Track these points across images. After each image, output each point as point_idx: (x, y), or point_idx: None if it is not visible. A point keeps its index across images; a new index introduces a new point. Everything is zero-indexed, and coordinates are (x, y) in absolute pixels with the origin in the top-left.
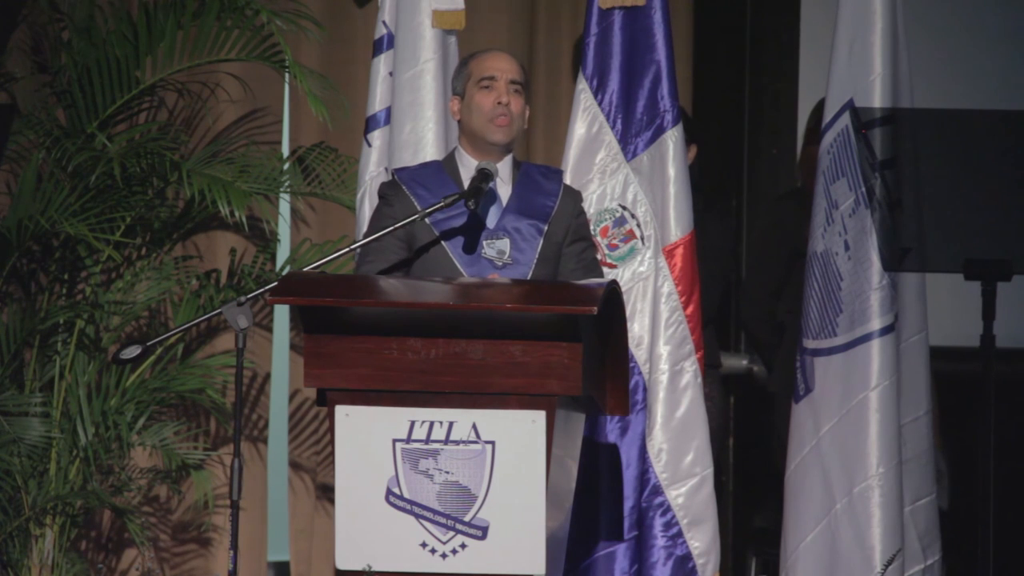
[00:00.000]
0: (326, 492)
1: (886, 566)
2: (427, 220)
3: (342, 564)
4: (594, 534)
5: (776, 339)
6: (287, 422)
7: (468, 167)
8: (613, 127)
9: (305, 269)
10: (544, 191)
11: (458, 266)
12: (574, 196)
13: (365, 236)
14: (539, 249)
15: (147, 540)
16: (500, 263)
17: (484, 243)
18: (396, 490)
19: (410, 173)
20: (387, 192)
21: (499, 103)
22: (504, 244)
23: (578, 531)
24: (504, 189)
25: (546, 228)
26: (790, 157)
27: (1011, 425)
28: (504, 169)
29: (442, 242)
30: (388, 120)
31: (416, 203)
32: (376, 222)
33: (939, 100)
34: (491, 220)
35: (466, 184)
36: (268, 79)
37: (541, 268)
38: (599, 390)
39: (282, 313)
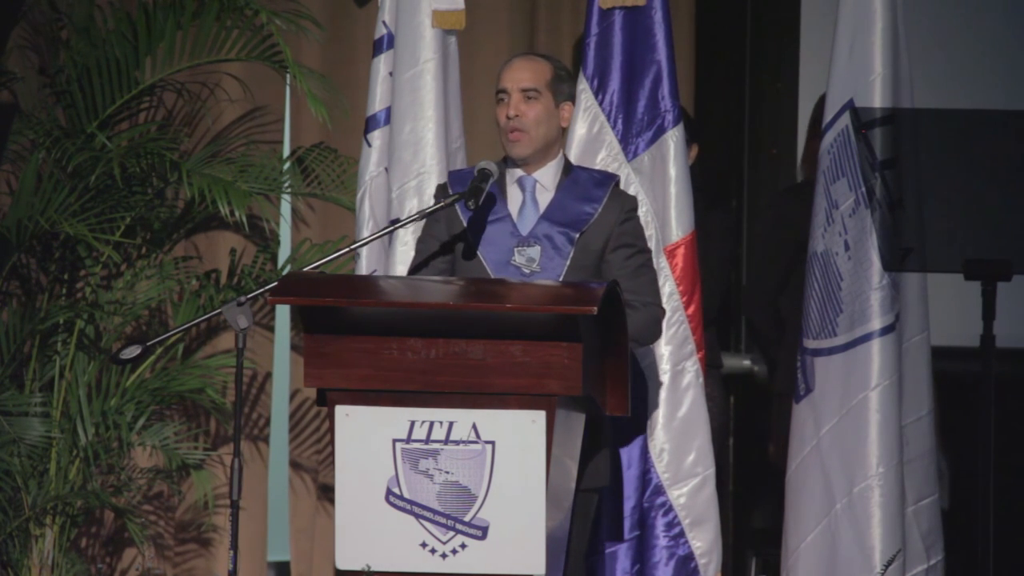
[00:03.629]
0: (327, 492)
1: (886, 566)
2: (464, 223)
3: (342, 564)
4: (595, 534)
5: (778, 335)
6: (288, 422)
7: (511, 173)
8: (614, 127)
9: (305, 269)
10: (587, 198)
11: (488, 272)
12: (621, 202)
13: (373, 234)
14: (570, 257)
15: (147, 539)
16: (528, 270)
17: (515, 250)
18: (396, 490)
19: (459, 176)
20: (437, 195)
21: (508, 117)
22: (535, 252)
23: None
24: (545, 196)
25: (578, 236)
26: (790, 157)
27: (1011, 425)
28: (546, 176)
29: (476, 247)
30: (388, 120)
31: (457, 206)
32: (426, 226)
33: (939, 100)
34: (526, 227)
35: (508, 187)
36: (268, 79)
37: (572, 277)
38: (599, 390)
39: (283, 313)
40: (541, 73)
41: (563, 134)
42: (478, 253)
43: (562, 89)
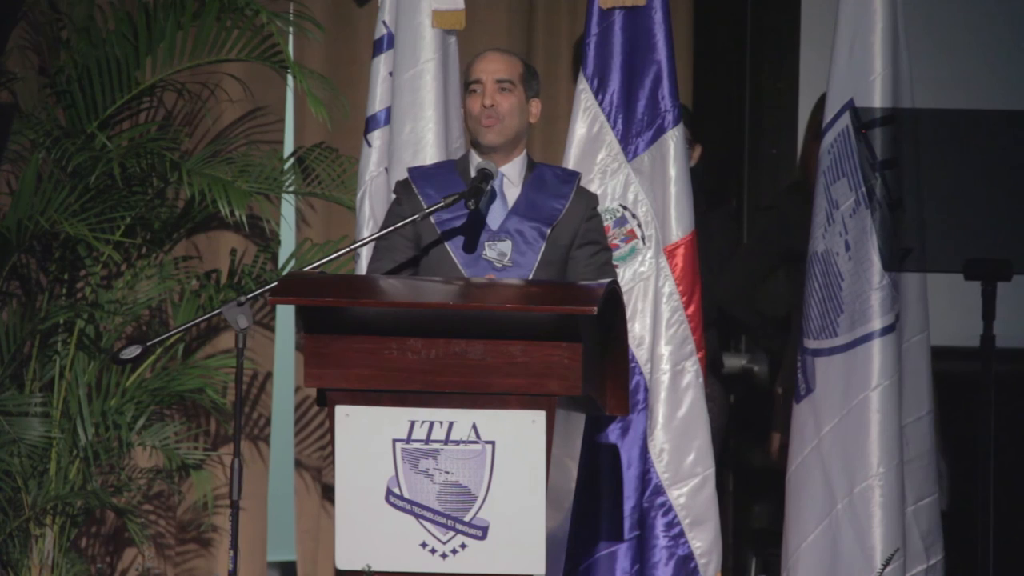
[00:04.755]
0: (330, 492)
1: (885, 566)
2: (432, 220)
3: (342, 564)
4: (595, 534)
5: (761, 320)
6: (293, 422)
7: (478, 167)
8: (614, 127)
9: (305, 269)
10: (555, 194)
11: (459, 266)
12: (587, 199)
13: (373, 234)
14: (541, 252)
15: (147, 539)
16: (500, 265)
17: (486, 245)
18: (396, 490)
19: (422, 172)
20: (399, 191)
21: (483, 105)
22: (506, 246)
23: (579, 531)
24: (512, 191)
25: (549, 231)
26: (790, 157)
27: (1011, 425)
28: (513, 171)
29: (444, 242)
30: (388, 120)
31: (423, 202)
32: (386, 221)
33: (939, 100)
34: (495, 222)
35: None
36: (269, 79)
37: (543, 272)
38: (599, 390)
39: (284, 312)
40: (514, 67)
41: (529, 130)
42: (447, 247)
43: (532, 85)
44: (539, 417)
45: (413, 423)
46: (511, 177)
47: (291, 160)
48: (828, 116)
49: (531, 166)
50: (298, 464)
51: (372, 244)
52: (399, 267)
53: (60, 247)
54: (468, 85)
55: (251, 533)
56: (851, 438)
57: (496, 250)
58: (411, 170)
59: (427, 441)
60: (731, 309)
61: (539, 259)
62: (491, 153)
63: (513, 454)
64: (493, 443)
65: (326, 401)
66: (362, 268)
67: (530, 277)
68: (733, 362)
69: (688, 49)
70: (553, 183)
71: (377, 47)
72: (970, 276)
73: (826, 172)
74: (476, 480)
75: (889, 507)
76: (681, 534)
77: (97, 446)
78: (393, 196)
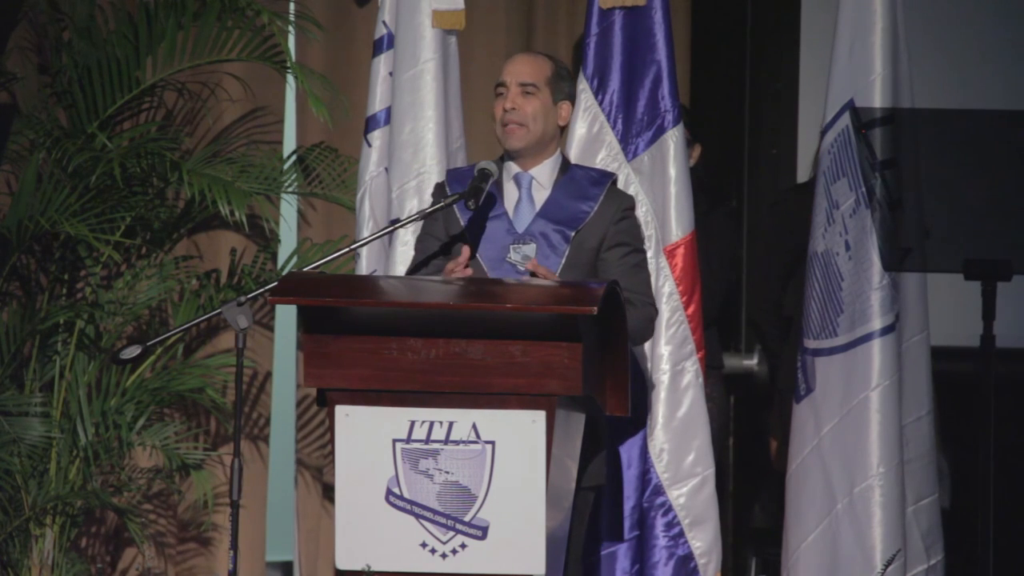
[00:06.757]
0: (332, 492)
1: (886, 566)
2: (461, 221)
3: (342, 564)
4: (595, 534)
5: (781, 333)
6: (295, 422)
7: (508, 169)
8: (614, 127)
9: (305, 269)
10: (584, 196)
11: (484, 269)
12: (618, 201)
13: (373, 234)
14: (565, 255)
15: (147, 539)
16: (523, 268)
17: (511, 248)
18: (396, 490)
19: (456, 174)
20: (435, 193)
21: (505, 109)
22: (530, 249)
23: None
24: (542, 193)
25: (574, 235)
26: (790, 157)
27: (1011, 425)
28: (542, 173)
29: (472, 244)
30: (388, 120)
31: (455, 204)
32: (424, 223)
33: (939, 100)
34: (522, 224)
35: (505, 184)
36: (269, 79)
37: (567, 275)
38: (599, 390)
39: (284, 312)
40: (541, 69)
41: (561, 133)
42: (474, 250)
43: (561, 87)
44: (539, 417)
45: (413, 423)
46: (540, 179)
47: (291, 160)
48: (828, 116)
49: (564, 168)
50: (302, 464)
51: (376, 246)
52: (429, 260)
53: (60, 247)
54: (495, 88)
55: (251, 533)
56: (851, 438)
57: (521, 253)
58: (448, 172)
59: (427, 441)
60: (758, 322)
61: (563, 262)
62: (518, 157)
63: (513, 454)
64: (493, 443)
65: (326, 401)
66: (362, 268)
67: None
68: (734, 363)
69: (688, 49)
70: (583, 185)
71: (377, 47)
72: (970, 276)
73: (826, 172)
74: (476, 480)
75: (889, 507)
76: (681, 534)
77: (97, 446)
78: (430, 198)
